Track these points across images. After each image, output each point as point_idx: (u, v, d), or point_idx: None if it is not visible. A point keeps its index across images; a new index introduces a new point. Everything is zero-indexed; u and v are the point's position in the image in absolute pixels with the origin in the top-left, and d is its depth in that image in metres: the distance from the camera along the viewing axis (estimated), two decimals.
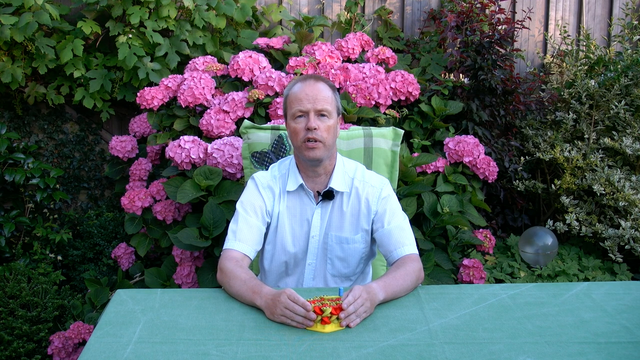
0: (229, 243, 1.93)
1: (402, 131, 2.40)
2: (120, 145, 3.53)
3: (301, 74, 3.12)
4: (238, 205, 2.00)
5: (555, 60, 4.21)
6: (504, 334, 1.56)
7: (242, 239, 1.93)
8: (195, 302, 1.74)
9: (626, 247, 3.31)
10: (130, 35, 3.50)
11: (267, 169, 2.15)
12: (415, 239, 2.03)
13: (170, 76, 3.26)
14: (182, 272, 2.89)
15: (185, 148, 2.82)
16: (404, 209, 2.10)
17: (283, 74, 3.08)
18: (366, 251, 2.08)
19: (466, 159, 3.04)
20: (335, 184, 1.99)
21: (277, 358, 1.43)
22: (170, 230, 2.89)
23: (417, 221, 2.80)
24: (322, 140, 1.90)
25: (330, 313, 1.55)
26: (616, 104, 3.59)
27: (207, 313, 1.67)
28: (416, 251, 1.96)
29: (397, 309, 1.71)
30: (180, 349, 1.47)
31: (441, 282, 2.65)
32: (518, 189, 3.68)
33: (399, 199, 2.13)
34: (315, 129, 1.88)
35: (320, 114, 1.90)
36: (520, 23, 3.58)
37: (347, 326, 1.58)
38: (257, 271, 2.24)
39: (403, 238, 1.96)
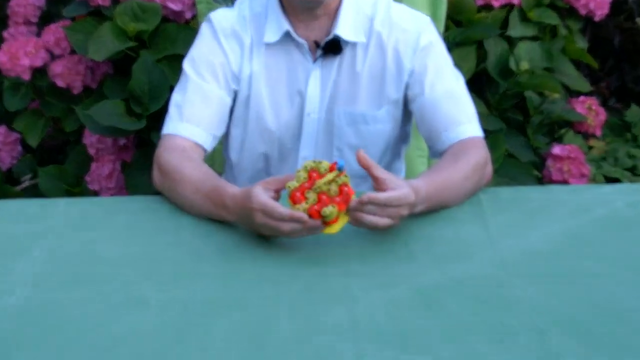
0: (172, 125, 1.94)
1: None
2: None
3: None
4: (186, 64, 2.01)
5: None
6: (620, 264, 1.56)
7: (192, 118, 1.94)
8: (123, 217, 1.76)
9: None
10: None
11: (232, 5, 2.14)
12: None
13: None
14: (99, 172, 2.91)
15: None
16: (457, 66, 2.08)
17: None
18: (394, 134, 2.09)
19: None
20: (343, 29, 1.96)
21: (256, 303, 1.43)
22: (79, 105, 2.88)
23: (476, 85, 2.76)
24: None
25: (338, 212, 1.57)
26: None
27: (141, 235, 1.68)
28: (479, 132, 1.96)
29: (447, 224, 1.73)
30: (98, 295, 1.46)
31: (517, 182, 2.69)
32: None
33: (448, 50, 2.11)
34: None
35: None
36: None
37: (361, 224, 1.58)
38: (221, 166, 2.28)
39: (457, 112, 1.95)
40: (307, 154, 2.09)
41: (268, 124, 2.06)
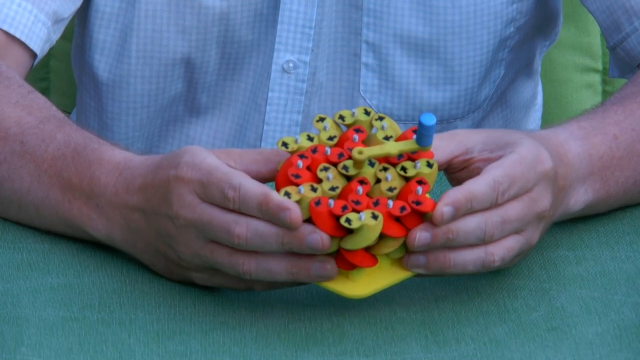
0: None
1: None
2: None
3: None
4: None
5: None
6: None
7: None
8: None
9: None
10: None
11: None
12: None
13: None
14: None
15: None
16: None
17: None
18: (518, 14, 1.42)
19: None
20: None
21: None
22: None
23: None
24: None
25: (391, 218, 0.81)
26: None
27: None
28: None
29: None
30: None
31: None
32: None
33: None
34: None
35: None
36: None
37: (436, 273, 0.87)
38: (65, 96, 1.68)
39: None
40: (290, 60, 1.39)
41: None
